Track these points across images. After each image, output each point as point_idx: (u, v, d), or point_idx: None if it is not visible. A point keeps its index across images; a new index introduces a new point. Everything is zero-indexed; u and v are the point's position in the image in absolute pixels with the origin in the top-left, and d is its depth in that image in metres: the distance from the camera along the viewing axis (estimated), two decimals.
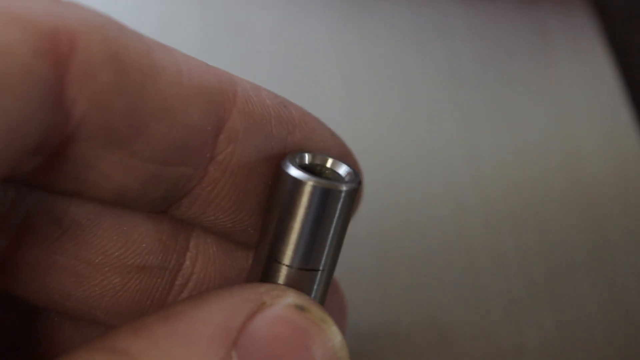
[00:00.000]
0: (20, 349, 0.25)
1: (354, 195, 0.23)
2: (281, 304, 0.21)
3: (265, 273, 0.23)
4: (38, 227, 0.23)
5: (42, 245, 0.23)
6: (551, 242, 0.38)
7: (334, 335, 0.21)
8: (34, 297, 0.23)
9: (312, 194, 0.22)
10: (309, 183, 0.22)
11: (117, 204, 0.23)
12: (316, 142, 0.24)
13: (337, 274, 0.27)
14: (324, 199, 0.22)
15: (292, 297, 0.21)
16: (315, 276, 0.23)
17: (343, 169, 0.23)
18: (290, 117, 0.23)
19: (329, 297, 0.26)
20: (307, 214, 0.22)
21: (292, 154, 0.23)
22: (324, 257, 0.23)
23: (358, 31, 0.43)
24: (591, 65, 0.44)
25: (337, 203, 0.22)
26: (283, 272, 0.23)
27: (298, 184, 0.22)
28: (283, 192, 0.22)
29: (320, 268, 0.23)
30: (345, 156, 0.25)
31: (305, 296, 0.22)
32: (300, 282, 0.23)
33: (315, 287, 0.23)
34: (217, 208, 0.23)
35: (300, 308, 0.21)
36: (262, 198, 0.23)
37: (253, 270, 0.24)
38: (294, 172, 0.22)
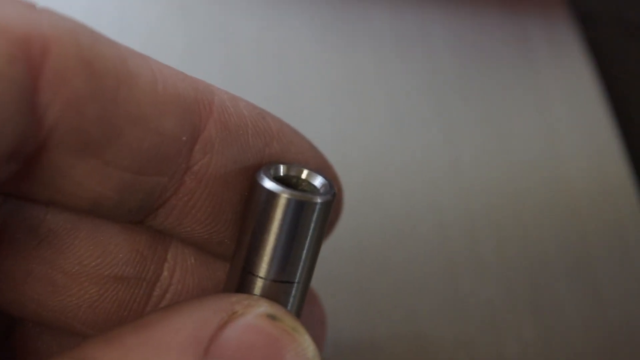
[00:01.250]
0: None
1: (329, 207, 0.23)
2: (253, 313, 0.21)
3: (240, 285, 0.23)
4: (14, 236, 0.22)
5: (19, 255, 0.23)
6: (532, 252, 0.38)
7: (307, 344, 0.21)
8: (10, 307, 0.23)
9: (287, 207, 0.22)
10: (283, 195, 0.22)
11: (93, 213, 0.22)
12: (294, 154, 0.24)
13: (316, 283, 0.27)
14: (299, 211, 0.22)
15: (264, 307, 0.21)
16: (290, 288, 0.23)
17: (318, 181, 0.23)
18: (268, 128, 0.23)
19: (308, 310, 0.26)
20: (281, 226, 0.22)
21: (267, 165, 0.23)
22: (299, 270, 0.23)
23: (341, 40, 0.43)
24: (573, 73, 0.44)
25: (311, 215, 0.22)
26: (258, 285, 0.22)
27: (272, 196, 0.22)
28: (257, 204, 0.22)
29: (296, 280, 0.23)
30: (324, 168, 0.25)
31: (277, 305, 0.22)
32: (275, 294, 0.22)
33: (290, 299, 0.23)
34: (194, 219, 0.23)
35: (272, 317, 0.21)
36: (238, 210, 0.23)
37: (229, 282, 0.23)
38: (268, 184, 0.22)
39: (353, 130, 0.40)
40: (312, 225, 0.22)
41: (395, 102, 0.42)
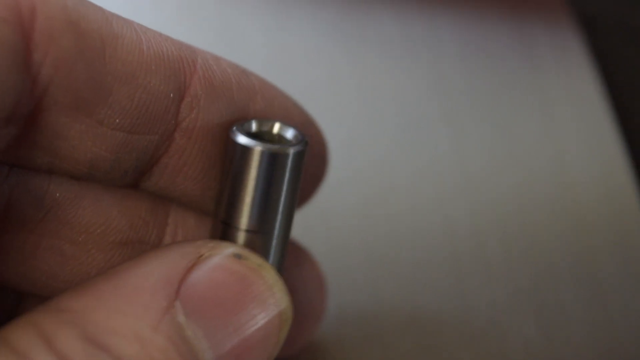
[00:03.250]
0: None
1: (302, 157, 0.24)
2: (219, 254, 0.22)
3: (221, 237, 0.24)
4: (21, 210, 0.24)
5: (27, 228, 0.24)
6: (537, 256, 0.38)
7: (273, 280, 0.22)
8: (21, 282, 0.24)
9: (260, 159, 0.23)
10: (256, 148, 0.23)
11: (91, 177, 0.24)
12: (278, 109, 0.25)
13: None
14: (272, 163, 0.23)
15: (229, 248, 0.22)
16: (270, 239, 0.24)
17: (290, 133, 0.24)
18: (251, 84, 0.25)
19: (303, 272, 0.27)
20: (256, 178, 0.23)
21: (240, 122, 0.24)
22: (277, 220, 0.24)
23: (348, 45, 0.44)
24: (577, 79, 0.45)
25: (284, 166, 0.23)
26: (238, 236, 0.23)
27: (245, 150, 0.23)
28: (232, 158, 0.23)
29: (275, 230, 0.24)
30: (307, 123, 0.26)
31: (241, 247, 0.23)
32: (254, 245, 0.23)
33: (271, 250, 0.24)
34: (186, 177, 0.24)
35: (238, 256, 0.22)
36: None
37: (211, 235, 0.24)
38: (241, 139, 0.23)
39: (360, 136, 0.41)
40: (286, 175, 0.23)
41: (402, 107, 0.43)
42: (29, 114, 0.21)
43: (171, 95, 0.23)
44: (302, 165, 0.24)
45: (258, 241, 0.23)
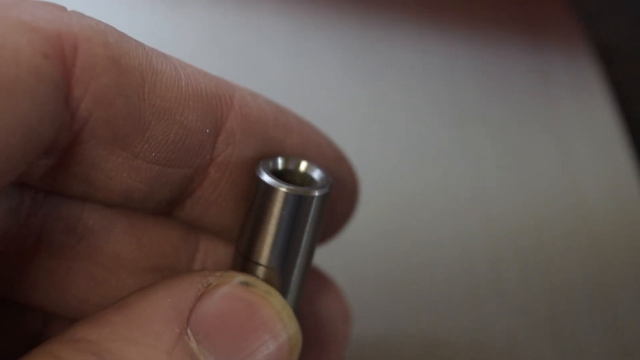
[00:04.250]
0: None
1: (326, 199, 0.24)
2: (227, 283, 0.22)
3: (240, 269, 0.24)
4: (55, 236, 0.24)
5: (60, 254, 0.24)
6: (553, 280, 0.38)
7: (281, 305, 0.23)
8: (51, 305, 0.25)
9: (284, 200, 0.23)
10: (281, 189, 0.23)
11: (125, 206, 0.24)
12: (313, 147, 0.25)
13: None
14: (296, 205, 0.23)
15: (236, 276, 0.23)
16: (289, 276, 0.24)
17: (317, 173, 0.24)
18: (288, 121, 0.25)
19: (329, 304, 0.27)
20: (279, 218, 0.23)
21: (266, 159, 0.24)
22: (297, 259, 0.24)
23: (367, 72, 0.45)
24: (593, 108, 0.45)
25: (308, 208, 0.23)
26: (257, 271, 0.24)
27: (270, 189, 0.23)
28: (256, 195, 0.23)
29: (294, 268, 0.24)
30: (340, 161, 0.26)
31: (249, 275, 0.23)
32: (272, 280, 0.24)
33: (290, 286, 0.24)
34: (219, 208, 0.24)
35: (245, 284, 0.22)
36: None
37: (231, 267, 0.25)
38: (266, 178, 0.23)
39: (378, 159, 0.42)
40: (310, 217, 0.23)
41: (419, 132, 0.43)
42: (67, 146, 0.22)
43: (207, 131, 0.23)
44: (325, 207, 0.24)
45: (276, 277, 0.24)
